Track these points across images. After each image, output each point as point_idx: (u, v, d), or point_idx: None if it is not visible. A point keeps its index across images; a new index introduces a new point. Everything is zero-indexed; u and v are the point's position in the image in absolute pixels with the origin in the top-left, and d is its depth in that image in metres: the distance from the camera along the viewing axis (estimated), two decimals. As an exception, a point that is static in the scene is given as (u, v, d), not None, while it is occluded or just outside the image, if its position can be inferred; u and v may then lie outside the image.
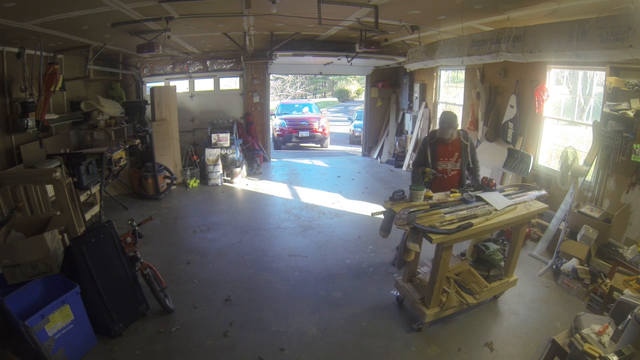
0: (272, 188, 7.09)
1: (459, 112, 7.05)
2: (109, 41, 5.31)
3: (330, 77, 29.14)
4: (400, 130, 9.02)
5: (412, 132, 8.36)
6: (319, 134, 12.20)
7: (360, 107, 13.74)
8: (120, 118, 6.22)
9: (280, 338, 3.05)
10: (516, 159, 5.22)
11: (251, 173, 7.87)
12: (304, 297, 3.60)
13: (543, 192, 3.50)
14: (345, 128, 15.47)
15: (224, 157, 7.25)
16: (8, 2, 2.92)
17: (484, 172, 5.87)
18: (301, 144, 12.43)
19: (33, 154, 4.60)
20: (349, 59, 7.36)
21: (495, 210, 3.01)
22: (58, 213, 3.50)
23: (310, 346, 2.97)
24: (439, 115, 7.74)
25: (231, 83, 8.47)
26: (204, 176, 7.27)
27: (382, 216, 3.09)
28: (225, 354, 2.89)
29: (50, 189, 3.98)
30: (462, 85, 6.81)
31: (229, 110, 8.35)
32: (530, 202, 3.24)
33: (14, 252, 2.62)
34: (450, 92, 7.53)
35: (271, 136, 10.19)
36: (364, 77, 9.81)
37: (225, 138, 7.18)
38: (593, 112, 4.58)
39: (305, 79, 28.90)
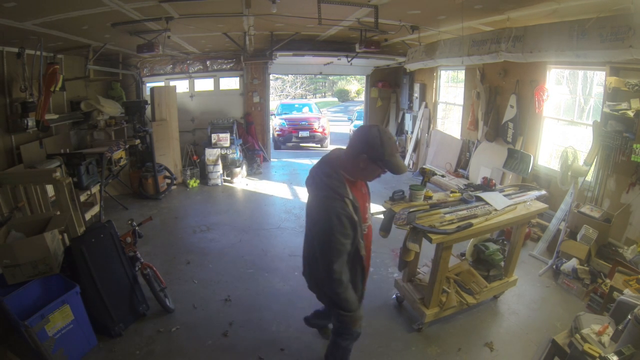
0: (272, 188, 7.09)
1: (458, 112, 7.05)
2: (109, 41, 5.31)
3: (330, 77, 29.15)
4: (400, 130, 9.02)
5: (412, 132, 8.37)
6: (319, 134, 12.20)
7: (360, 107, 13.73)
8: (120, 118, 6.22)
9: (280, 338, 3.05)
10: (516, 159, 5.22)
11: (251, 173, 7.86)
12: (304, 297, 3.59)
13: (543, 192, 3.50)
14: (345, 128, 15.46)
15: (224, 157, 7.25)
16: (8, 2, 2.92)
17: (484, 172, 5.93)
18: (301, 144, 12.43)
19: (33, 154, 4.60)
20: (349, 59, 7.36)
21: (495, 210, 3.01)
22: (58, 213, 3.51)
23: (310, 346, 2.97)
24: (439, 115, 7.73)
25: (231, 83, 8.46)
26: (204, 176, 7.27)
27: (382, 216, 3.08)
28: (225, 354, 2.89)
29: (50, 189, 3.97)
30: (462, 85, 6.81)
31: (229, 110, 8.35)
32: (530, 202, 3.23)
33: (13, 252, 2.62)
34: (450, 92, 7.52)
35: (271, 136, 10.18)
36: (364, 77, 9.82)
37: (225, 138, 7.18)
38: (593, 112, 4.58)
39: (305, 79, 28.91)
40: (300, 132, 12.08)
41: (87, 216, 4.62)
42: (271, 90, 15.09)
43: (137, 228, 3.31)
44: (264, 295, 3.66)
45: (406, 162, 8.42)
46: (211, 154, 7.11)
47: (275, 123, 12.60)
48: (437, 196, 3.28)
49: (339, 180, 1.87)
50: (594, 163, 4.09)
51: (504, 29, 4.41)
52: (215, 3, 3.94)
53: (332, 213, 1.77)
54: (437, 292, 3.00)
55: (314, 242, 1.96)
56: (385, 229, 2.96)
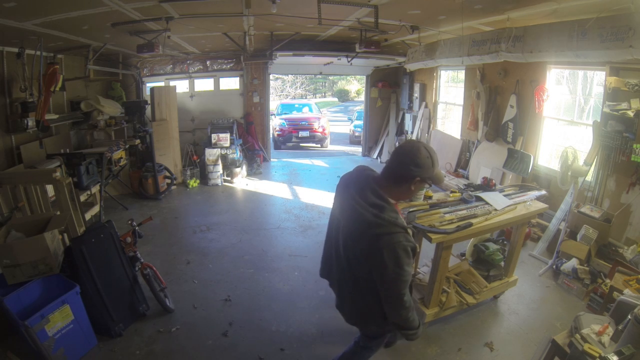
0: (272, 188, 7.09)
1: (458, 112, 7.05)
2: (109, 41, 5.31)
3: (330, 77, 29.14)
4: (400, 130, 9.02)
5: (412, 132, 8.36)
6: (319, 134, 12.20)
7: (360, 107, 13.73)
8: (120, 118, 6.22)
9: (280, 338, 3.05)
10: (516, 159, 5.22)
11: (251, 173, 7.87)
12: (304, 297, 3.60)
13: (543, 192, 3.50)
14: (345, 128, 15.46)
15: (224, 157, 7.25)
16: (8, 2, 2.92)
17: (484, 172, 5.93)
18: (301, 144, 12.43)
19: (33, 154, 4.60)
20: (349, 59, 7.35)
21: (495, 210, 3.01)
22: (58, 213, 3.51)
23: (310, 346, 2.97)
24: (439, 115, 7.73)
25: (231, 83, 8.46)
26: (204, 176, 7.27)
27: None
28: (225, 354, 2.89)
29: (50, 189, 3.98)
30: (462, 85, 6.81)
31: (229, 110, 8.35)
32: (530, 202, 3.23)
33: (13, 252, 2.62)
34: (450, 92, 7.53)
35: (271, 136, 10.19)
36: (364, 77, 9.81)
37: (225, 138, 7.18)
38: (593, 112, 4.58)
39: (305, 79, 28.90)
40: (300, 132, 12.08)
41: (87, 216, 4.62)
42: (271, 90, 15.09)
43: (137, 228, 3.31)
44: (264, 295, 3.66)
45: (406, 162, 8.41)
46: (211, 154, 7.11)
47: (275, 123, 12.61)
48: (437, 196, 3.28)
49: (394, 211, 1.73)
50: (594, 163, 4.09)
51: (504, 29, 4.41)
52: (215, 3, 3.94)
53: (399, 248, 1.65)
54: (437, 292, 3.00)
55: (364, 281, 1.82)
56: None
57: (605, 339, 2.12)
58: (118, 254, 3.16)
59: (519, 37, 4.21)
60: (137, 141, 6.07)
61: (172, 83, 7.74)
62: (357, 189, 1.77)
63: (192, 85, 8.15)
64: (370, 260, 1.71)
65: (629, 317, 1.98)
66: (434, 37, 5.68)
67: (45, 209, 3.87)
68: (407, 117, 8.66)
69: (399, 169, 1.73)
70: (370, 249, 1.68)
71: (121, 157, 5.79)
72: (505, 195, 3.28)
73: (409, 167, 1.69)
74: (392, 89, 9.43)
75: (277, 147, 12.12)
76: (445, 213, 2.93)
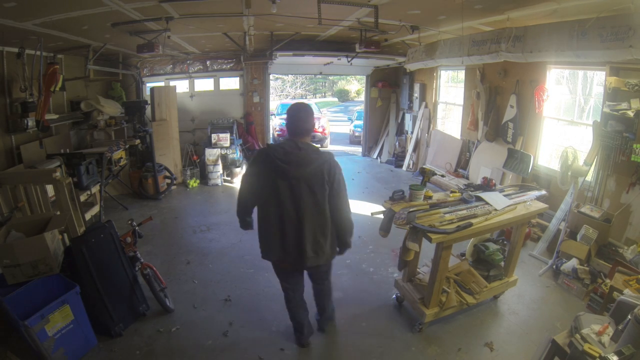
0: (272, 188, 7.08)
1: (458, 112, 7.05)
2: (109, 41, 5.31)
3: (330, 77, 29.12)
4: (400, 130, 9.02)
5: (412, 132, 8.37)
6: (318, 133, 12.19)
7: (360, 107, 13.73)
8: (120, 118, 6.22)
9: (280, 338, 3.05)
10: (516, 159, 5.22)
11: (251, 173, 7.85)
12: (304, 297, 3.59)
13: (543, 192, 3.50)
14: (345, 128, 15.45)
15: (224, 157, 7.25)
16: (8, 2, 2.92)
17: (484, 172, 5.93)
18: (301, 144, 12.41)
19: (33, 154, 4.60)
20: (349, 59, 7.35)
21: (495, 210, 3.01)
22: (58, 213, 3.51)
23: (310, 346, 2.97)
24: (439, 115, 7.74)
25: (231, 83, 8.46)
26: (204, 176, 7.27)
27: (381, 216, 3.08)
28: (225, 354, 2.89)
29: (50, 189, 3.98)
30: (462, 85, 6.81)
31: (229, 110, 8.34)
32: (530, 202, 3.23)
33: (13, 252, 2.63)
34: (450, 92, 7.53)
35: (271, 136, 10.18)
36: (364, 77, 9.80)
37: (225, 138, 7.18)
38: (593, 112, 4.58)
39: (305, 79, 28.90)
40: (300, 132, 12.07)
41: (87, 216, 4.63)
42: (271, 90, 15.08)
43: (137, 228, 3.31)
44: (264, 295, 3.66)
45: (406, 162, 8.44)
46: (211, 154, 7.11)
47: (275, 123, 12.60)
48: (437, 196, 3.28)
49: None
50: (594, 163, 4.09)
51: (504, 29, 4.40)
52: (215, 3, 3.94)
53: (338, 165, 2.47)
54: (437, 292, 3.00)
55: (328, 209, 2.46)
56: (385, 228, 2.96)
57: (605, 339, 2.12)
58: (118, 254, 3.16)
59: (519, 37, 4.20)
60: (137, 141, 6.07)
61: (172, 83, 7.74)
62: (291, 147, 2.36)
63: (192, 85, 8.14)
64: (331, 177, 2.39)
65: (629, 317, 1.97)
66: (434, 37, 5.67)
67: (45, 209, 3.87)
68: (407, 117, 8.67)
69: (306, 124, 2.44)
70: (329, 171, 2.39)
71: (121, 157, 5.79)
72: (505, 195, 3.28)
73: (310, 118, 2.47)
74: (392, 89, 9.43)
75: (277, 147, 12.10)
76: (445, 213, 2.93)
